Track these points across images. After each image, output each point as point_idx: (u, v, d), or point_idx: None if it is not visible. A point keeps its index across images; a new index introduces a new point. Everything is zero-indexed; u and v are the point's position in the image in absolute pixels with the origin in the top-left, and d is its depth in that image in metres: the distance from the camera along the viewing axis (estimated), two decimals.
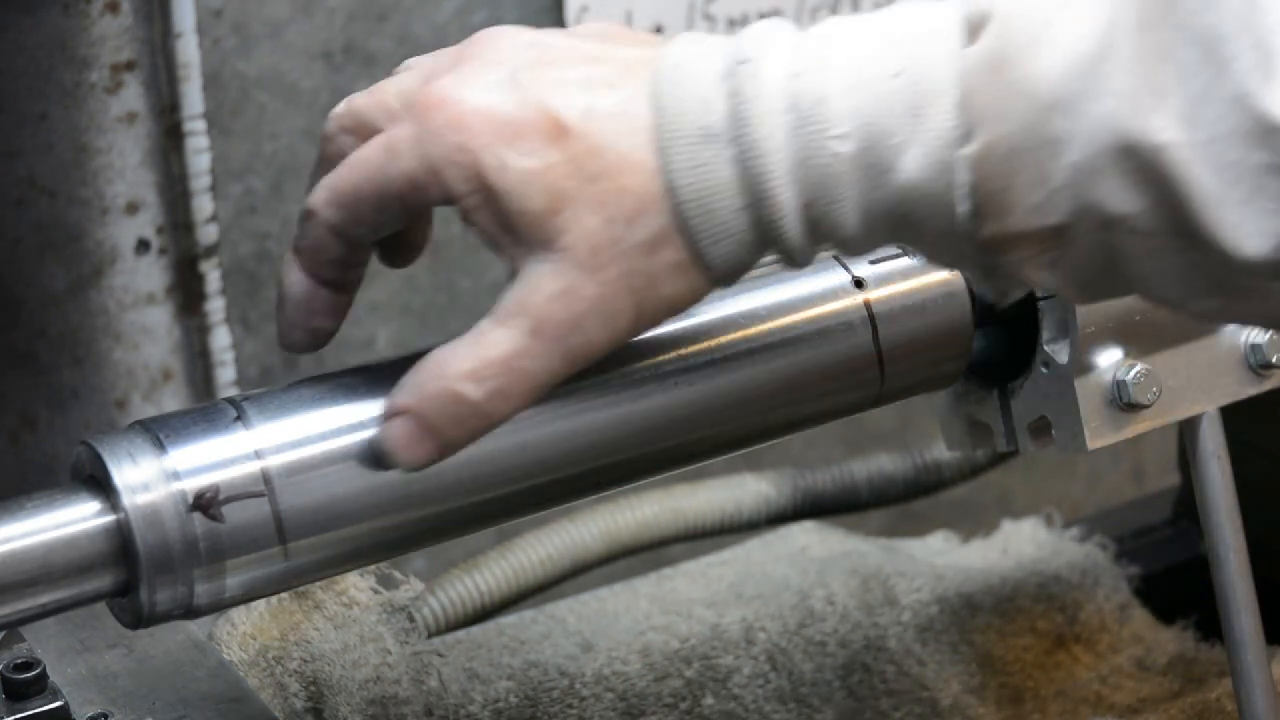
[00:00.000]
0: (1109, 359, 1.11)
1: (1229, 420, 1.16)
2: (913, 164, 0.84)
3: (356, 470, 0.91)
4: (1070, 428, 1.11)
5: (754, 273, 1.04)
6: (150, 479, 0.88)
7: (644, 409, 0.98)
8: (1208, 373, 1.14)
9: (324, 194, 0.90)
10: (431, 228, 0.98)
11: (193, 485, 0.88)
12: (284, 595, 1.23)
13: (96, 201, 1.75)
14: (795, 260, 0.89)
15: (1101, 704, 1.43)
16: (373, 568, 1.25)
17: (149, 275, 1.80)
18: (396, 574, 1.27)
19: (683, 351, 0.99)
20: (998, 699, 1.43)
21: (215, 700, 1.05)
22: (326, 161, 0.92)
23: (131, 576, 0.88)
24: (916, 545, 1.54)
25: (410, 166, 0.87)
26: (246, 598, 0.92)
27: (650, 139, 0.86)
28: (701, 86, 0.86)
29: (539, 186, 0.86)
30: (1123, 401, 1.11)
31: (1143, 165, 0.81)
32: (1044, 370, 1.11)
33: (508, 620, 1.40)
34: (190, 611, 0.90)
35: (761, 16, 1.03)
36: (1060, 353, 1.10)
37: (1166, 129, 0.80)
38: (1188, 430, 1.16)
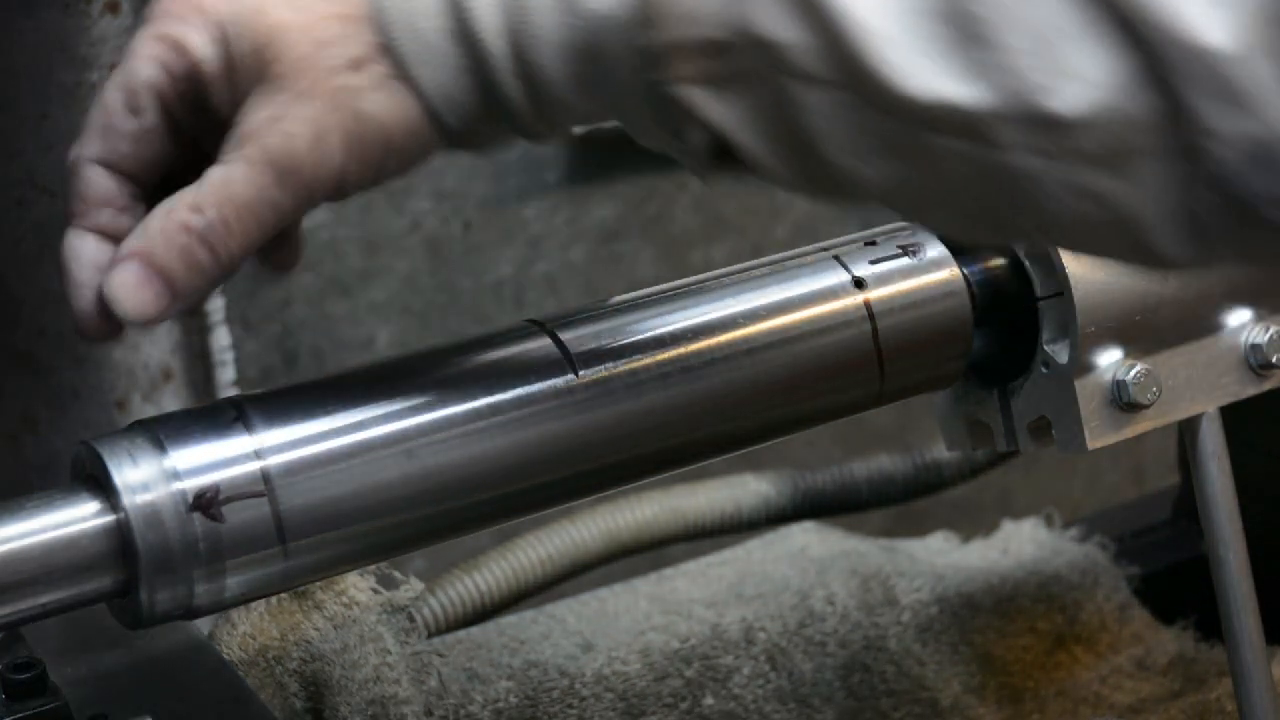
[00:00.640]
0: (1109, 359, 1.11)
1: (1229, 420, 1.16)
2: None
3: (356, 470, 0.91)
4: (1070, 428, 1.11)
5: (754, 273, 1.05)
6: (150, 479, 0.88)
7: (644, 409, 0.98)
8: (1208, 373, 1.14)
9: (80, 138, 0.91)
10: (300, 231, 0.97)
11: (193, 485, 0.88)
12: (284, 595, 1.23)
13: None
14: (520, 123, 0.89)
15: (1101, 704, 1.43)
16: (373, 568, 1.25)
17: None
18: (396, 574, 1.27)
19: (683, 351, 0.99)
20: (998, 699, 1.43)
21: (215, 700, 1.05)
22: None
23: (131, 577, 0.88)
24: (916, 545, 1.54)
25: (149, 51, 0.89)
26: (246, 598, 0.92)
27: None
28: None
29: (251, 25, 0.88)
30: (1123, 401, 1.11)
31: None
32: (1044, 370, 1.11)
33: (508, 620, 1.40)
34: (190, 612, 0.90)
35: None
36: (1060, 353, 1.10)
37: None
38: (1188, 430, 1.17)
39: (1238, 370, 1.15)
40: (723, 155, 0.88)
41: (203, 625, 1.14)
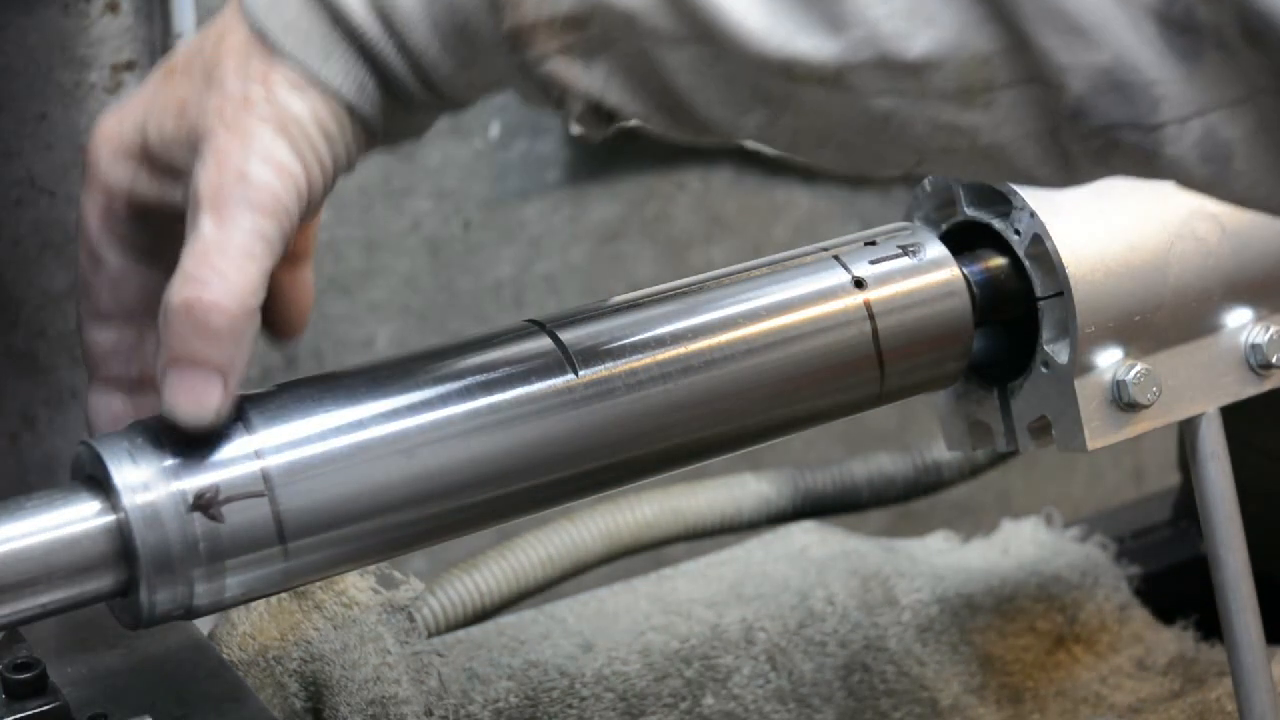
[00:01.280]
0: (1109, 359, 1.11)
1: (1229, 420, 1.16)
2: None
3: (356, 470, 0.91)
4: (1070, 428, 1.11)
5: (754, 272, 1.05)
6: (150, 479, 0.88)
7: (644, 409, 0.98)
8: (1208, 373, 1.14)
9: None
10: (302, 292, 0.99)
11: (193, 485, 0.88)
12: (284, 595, 1.23)
13: None
14: (426, 98, 0.91)
15: (1101, 704, 1.43)
16: (373, 568, 1.25)
17: None
18: (396, 574, 1.27)
19: (683, 351, 0.99)
20: (998, 699, 1.43)
21: (215, 700, 1.05)
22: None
23: (131, 577, 0.88)
24: (916, 545, 1.54)
25: (87, 205, 0.93)
26: (246, 598, 0.92)
27: None
28: None
29: (162, 105, 0.91)
30: (1123, 401, 1.11)
31: None
32: (1044, 370, 1.11)
33: (508, 620, 1.40)
34: (190, 612, 0.90)
35: None
36: (1060, 353, 1.10)
37: None
38: (1188, 430, 1.16)
39: (1238, 370, 1.15)
40: (610, 115, 0.90)
41: (203, 625, 1.13)
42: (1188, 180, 0.81)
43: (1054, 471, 2.52)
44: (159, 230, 0.93)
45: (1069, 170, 0.84)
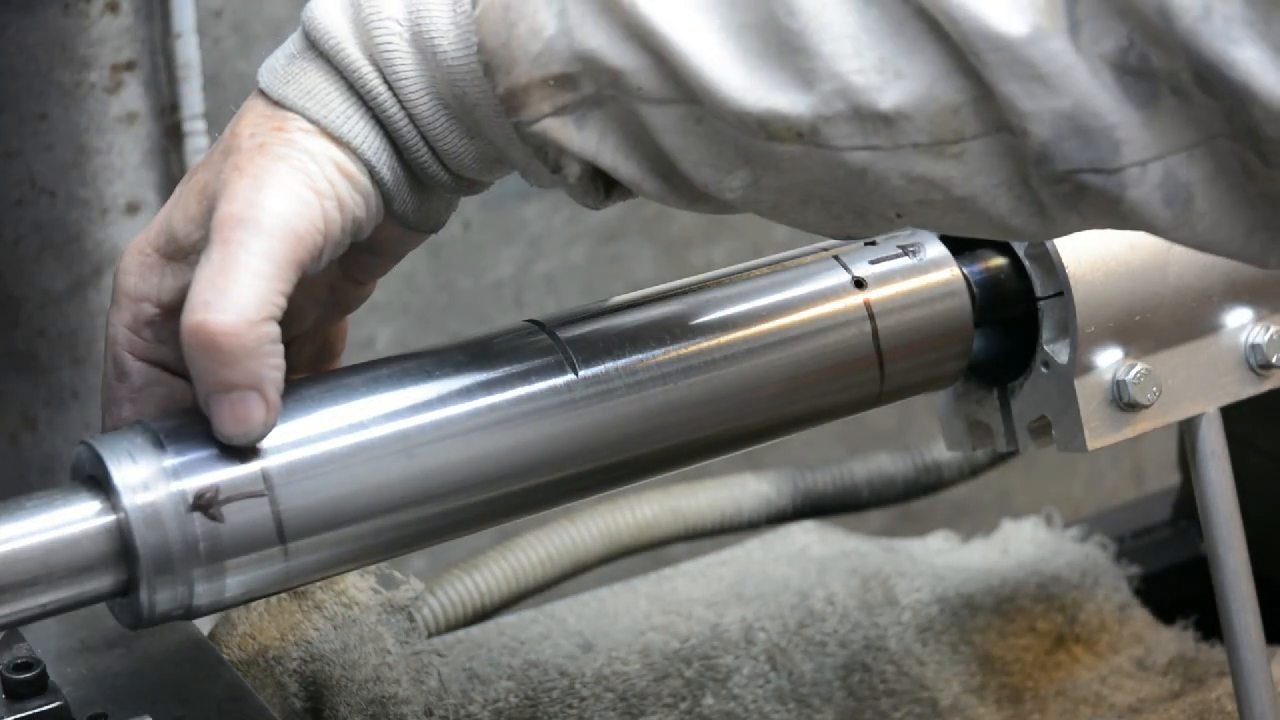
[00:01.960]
0: (1109, 359, 1.11)
1: (1229, 420, 1.16)
2: (445, 42, 0.89)
3: (356, 470, 0.91)
4: (1070, 428, 1.11)
5: (754, 273, 1.05)
6: (150, 479, 0.88)
7: (644, 409, 0.98)
8: (1208, 373, 1.14)
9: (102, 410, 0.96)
10: (342, 338, 1.02)
11: (193, 485, 0.88)
12: (284, 595, 1.23)
13: (96, 201, 1.75)
14: (418, 169, 0.93)
15: (1101, 704, 1.43)
16: (373, 568, 1.25)
17: None
18: (396, 574, 1.27)
19: (683, 351, 0.99)
20: (998, 699, 1.43)
21: (215, 700, 1.05)
22: None
23: (131, 577, 0.88)
24: (916, 545, 1.53)
25: (115, 320, 0.95)
26: (246, 598, 0.92)
27: None
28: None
29: (190, 201, 0.93)
30: (1123, 401, 1.11)
31: (624, 18, 0.85)
32: (1044, 370, 1.11)
33: (508, 620, 1.40)
34: (190, 612, 0.90)
35: None
36: (1060, 353, 1.10)
37: None
38: (1188, 430, 1.16)
39: (1238, 370, 1.15)
40: (608, 182, 0.93)
41: (203, 625, 1.13)
42: (1154, 223, 0.83)
43: (1054, 471, 2.52)
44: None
45: (1043, 219, 0.86)
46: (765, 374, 1.01)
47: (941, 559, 1.51)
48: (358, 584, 1.26)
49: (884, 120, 0.83)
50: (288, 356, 0.90)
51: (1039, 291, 1.10)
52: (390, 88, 0.91)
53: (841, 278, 1.05)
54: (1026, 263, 1.11)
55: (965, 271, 1.09)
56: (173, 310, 0.93)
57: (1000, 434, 1.14)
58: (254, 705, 1.05)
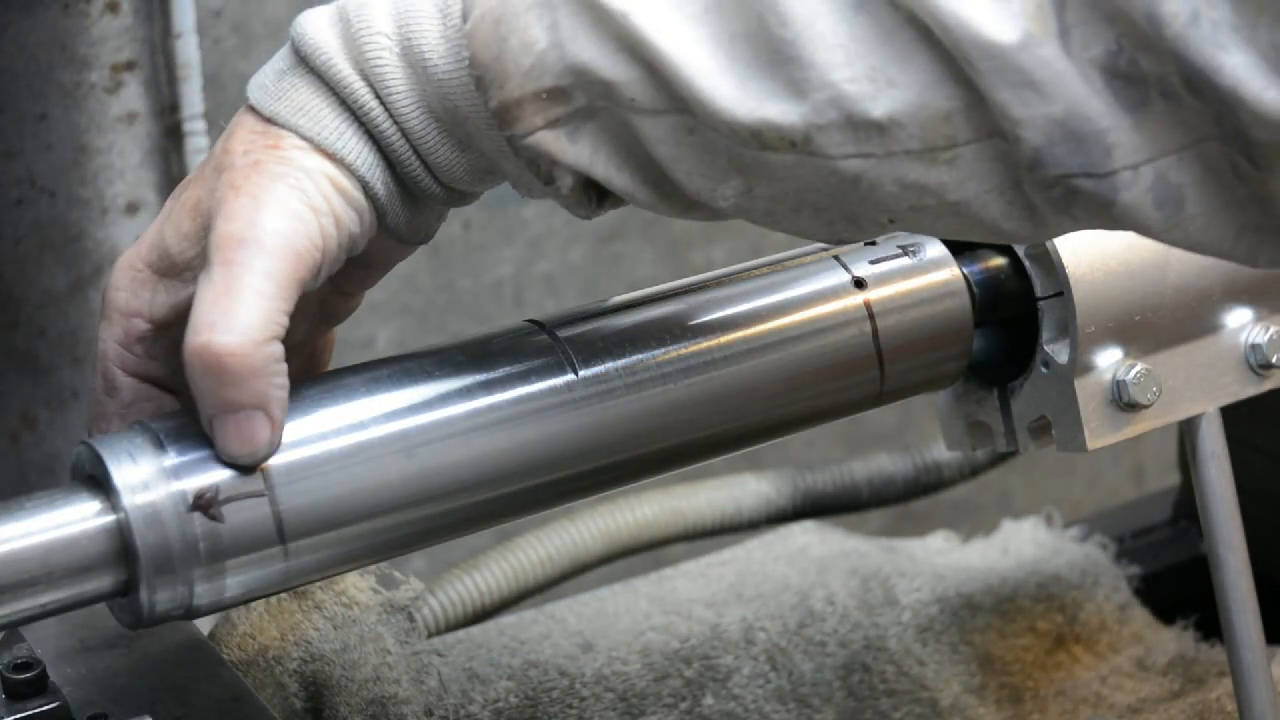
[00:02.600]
0: (1109, 359, 1.11)
1: (1229, 420, 1.16)
2: (436, 56, 0.90)
3: (356, 470, 0.91)
4: (1070, 428, 1.11)
5: (754, 273, 1.05)
6: (150, 479, 0.88)
7: (644, 409, 0.98)
8: (1208, 373, 1.14)
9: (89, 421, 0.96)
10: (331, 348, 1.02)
11: (193, 485, 0.88)
12: (284, 595, 1.23)
13: (96, 201, 1.75)
14: (410, 183, 0.93)
15: (1101, 704, 1.43)
16: (373, 568, 1.25)
17: None
18: (396, 574, 1.27)
19: (683, 351, 0.99)
20: (998, 699, 1.43)
21: (215, 700, 1.05)
22: None
23: (131, 577, 0.88)
24: (916, 545, 1.53)
25: (105, 335, 0.95)
26: (246, 598, 0.92)
27: None
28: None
29: (185, 218, 0.93)
30: (1123, 401, 1.11)
31: (616, 30, 0.85)
32: (1044, 370, 1.11)
33: (508, 620, 1.40)
34: (190, 612, 0.90)
35: None
36: (1060, 353, 1.10)
37: None
38: (1188, 430, 1.16)
39: (1238, 370, 1.15)
40: (600, 192, 0.93)
41: (203, 625, 1.13)
42: (1146, 226, 0.84)
43: (1054, 471, 2.52)
44: (172, 353, 0.93)
45: (1035, 223, 0.86)
46: (765, 374, 1.01)
47: (941, 559, 1.51)
48: (358, 584, 1.26)
49: (876, 128, 0.83)
50: None
51: (1039, 291, 1.10)
52: (382, 102, 0.91)
53: (841, 278, 1.05)
54: (1026, 263, 1.11)
55: (965, 271, 1.09)
56: (164, 326, 0.93)
57: (1000, 434, 1.14)
58: (254, 705, 1.05)
